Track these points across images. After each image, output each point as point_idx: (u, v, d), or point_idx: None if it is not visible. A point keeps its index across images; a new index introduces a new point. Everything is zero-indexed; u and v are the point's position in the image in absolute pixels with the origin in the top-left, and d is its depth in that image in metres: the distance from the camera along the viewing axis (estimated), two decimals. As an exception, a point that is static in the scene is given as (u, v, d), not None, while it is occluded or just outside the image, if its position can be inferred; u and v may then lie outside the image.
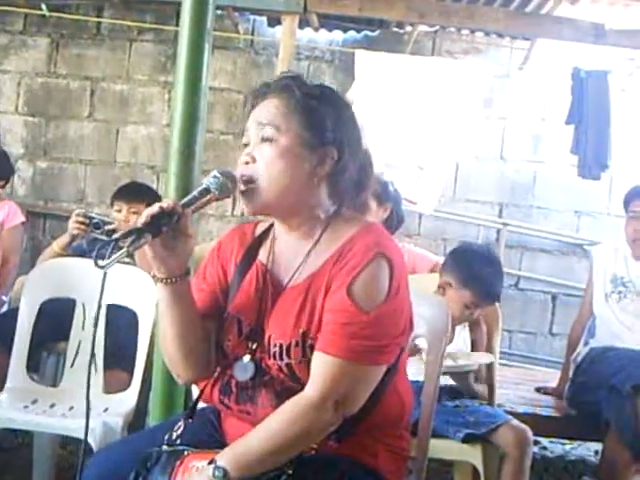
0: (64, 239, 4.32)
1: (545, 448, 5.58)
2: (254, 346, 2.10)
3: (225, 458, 1.91)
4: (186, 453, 2.04)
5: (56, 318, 3.82)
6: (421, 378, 2.75)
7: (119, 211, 4.46)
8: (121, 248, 1.91)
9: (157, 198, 4.23)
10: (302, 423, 1.92)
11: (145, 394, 3.56)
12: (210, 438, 2.20)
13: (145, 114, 7.95)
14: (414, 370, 2.45)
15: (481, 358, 3.66)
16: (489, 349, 3.81)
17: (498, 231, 7.94)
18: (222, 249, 2.30)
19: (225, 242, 2.31)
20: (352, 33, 7.94)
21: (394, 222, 4.32)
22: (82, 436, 2.13)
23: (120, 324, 3.71)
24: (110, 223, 4.24)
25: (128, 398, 3.60)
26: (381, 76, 6.85)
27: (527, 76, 7.91)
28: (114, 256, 1.90)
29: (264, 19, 7.91)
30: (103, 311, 3.58)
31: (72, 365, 3.76)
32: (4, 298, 4.88)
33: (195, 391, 2.31)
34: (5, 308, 4.78)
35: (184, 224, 2.01)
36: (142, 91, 7.95)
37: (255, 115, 2.14)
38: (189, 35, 3.04)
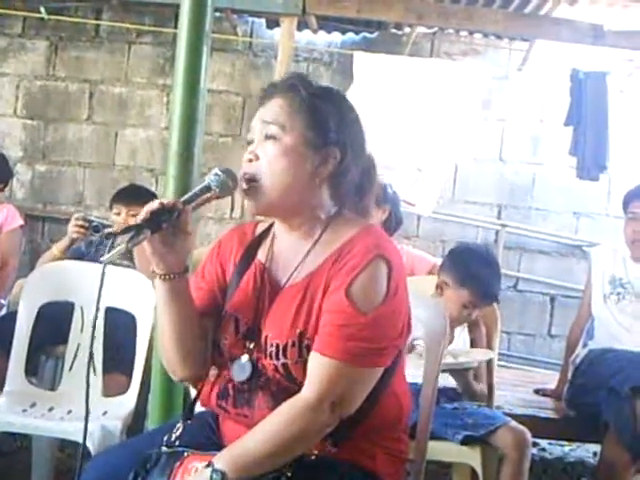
0: (63, 243, 4.31)
1: (544, 450, 5.58)
2: (251, 345, 2.11)
3: (222, 460, 1.91)
4: (186, 454, 2.04)
5: (55, 321, 3.82)
6: (419, 380, 2.75)
7: (118, 214, 4.46)
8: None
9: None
10: (299, 424, 1.92)
11: (144, 397, 3.55)
12: (208, 441, 2.19)
13: (144, 117, 7.96)
14: (412, 372, 2.44)
15: (481, 355, 3.66)
16: (487, 363, 3.81)
17: (497, 232, 7.94)
18: (222, 248, 2.30)
19: (225, 241, 2.32)
20: (350, 35, 7.95)
21: (392, 224, 4.32)
22: (81, 439, 2.13)
23: (119, 327, 3.71)
24: (109, 226, 4.24)
25: (127, 401, 3.60)
26: (379, 78, 6.86)
27: (526, 77, 7.91)
28: (113, 251, 1.91)
29: (263, 21, 7.92)
30: (102, 313, 3.59)
31: (71, 368, 3.76)
32: (3, 301, 4.88)
33: (193, 394, 2.31)
34: (4, 311, 4.77)
35: (184, 221, 2.02)
36: (141, 94, 7.96)
37: (260, 114, 2.15)
38: (188, 37, 3.03)
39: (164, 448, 2.10)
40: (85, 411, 2.05)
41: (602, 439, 4.00)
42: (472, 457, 3.39)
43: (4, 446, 4.34)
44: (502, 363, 5.98)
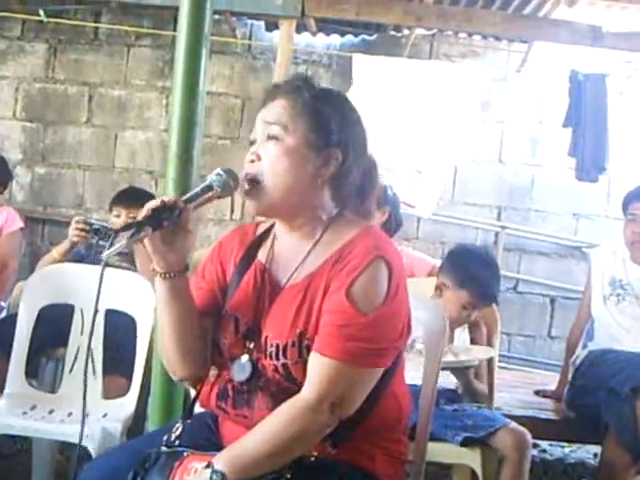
0: (64, 246, 4.31)
1: (544, 451, 5.58)
2: (251, 345, 2.11)
3: (222, 461, 1.91)
4: (185, 454, 2.04)
5: (55, 324, 3.81)
6: (419, 382, 2.75)
7: (118, 216, 4.47)
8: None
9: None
10: (298, 425, 1.92)
11: (144, 399, 3.55)
12: (207, 442, 2.19)
13: (143, 119, 7.96)
14: (412, 374, 2.45)
15: (482, 353, 3.66)
16: (488, 361, 3.81)
17: (496, 234, 7.95)
18: (222, 248, 2.31)
19: (225, 241, 2.33)
20: (349, 37, 7.94)
21: (392, 225, 4.32)
22: (82, 442, 2.13)
23: (119, 329, 3.71)
24: (110, 228, 4.23)
25: (127, 403, 3.60)
26: (379, 80, 6.86)
27: (525, 79, 7.92)
28: (114, 247, 1.92)
29: (262, 24, 7.92)
30: (102, 315, 3.59)
31: (71, 371, 3.75)
32: (3, 304, 4.87)
33: (193, 395, 2.31)
34: (4, 314, 4.77)
35: (185, 219, 2.03)
36: (140, 96, 7.96)
37: (263, 114, 2.16)
38: (187, 40, 3.04)
39: (163, 448, 2.10)
40: (82, 413, 2.05)
41: (602, 440, 4.00)
42: (472, 458, 3.39)
43: (4, 449, 4.34)
44: (502, 364, 5.97)
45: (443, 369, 2.92)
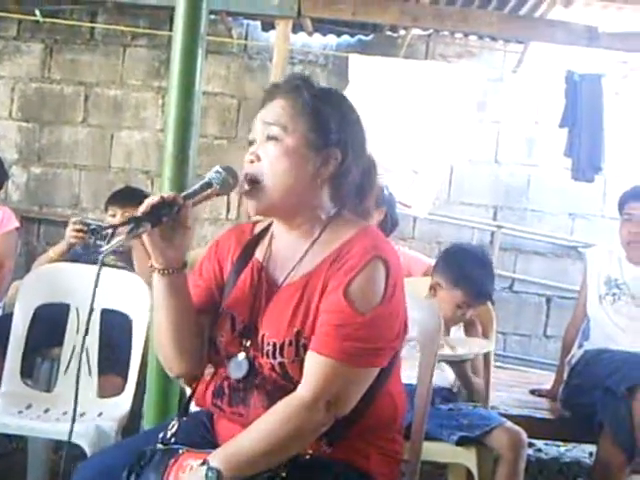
0: (61, 247, 4.31)
1: (540, 450, 5.59)
2: (248, 343, 2.11)
3: (217, 459, 1.92)
4: (181, 452, 2.04)
5: (50, 323, 3.82)
6: (414, 381, 2.75)
7: (113, 216, 4.47)
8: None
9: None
10: (294, 423, 1.93)
11: (139, 398, 3.55)
12: (203, 440, 2.20)
13: (139, 119, 7.95)
14: (407, 373, 2.45)
15: (479, 346, 3.66)
16: (484, 356, 3.81)
17: (492, 234, 7.95)
18: (220, 246, 2.31)
19: (223, 240, 2.33)
20: (346, 37, 7.94)
21: (388, 225, 4.32)
22: (76, 441, 2.13)
23: (114, 328, 3.72)
24: (107, 228, 4.23)
25: (122, 402, 3.60)
26: (375, 80, 6.86)
27: (521, 79, 7.92)
28: (113, 242, 1.94)
29: (258, 24, 7.91)
30: (97, 314, 3.59)
31: (66, 370, 3.76)
32: (-1, 303, 4.87)
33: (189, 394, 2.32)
34: (-1, 313, 4.78)
35: (184, 215, 2.03)
36: (136, 96, 7.95)
37: (262, 114, 2.16)
38: (183, 40, 3.04)
39: (159, 445, 2.11)
40: (73, 410, 2.04)
41: (598, 439, 4.00)
42: (467, 458, 3.40)
43: (0, 447, 4.33)
44: (498, 364, 5.99)
45: (439, 361, 2.92)
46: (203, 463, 1.92)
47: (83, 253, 4.37)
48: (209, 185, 2.09)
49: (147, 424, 3.10)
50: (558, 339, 6.01)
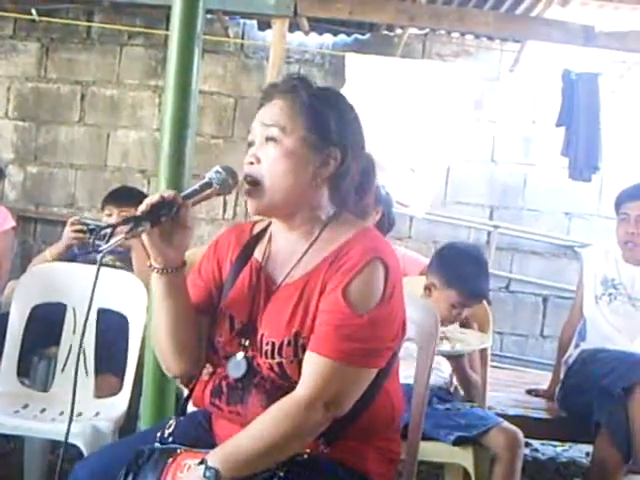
0: (58, 248, 4.30)
1: (536, 450, 5.59)
2: (246, 343, 2.11)
3: (216, 458, 1.92)
4: (179, 451, 2.05)
5: (47, 323, 3.81)
6: (411, 381, 2.75)
7: (110, 215, 4.46)
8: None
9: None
10: (292, 422, 1.93)
11: (136, 398, 3.55)
12: (200, 440, 2.19)
13: (135, 118, 7.95)
14: (404, 373, 2.45)
15: (477, 340, 3.65)
16: (481, 352, 3.81)
17: (489, 233, 7.95)
18: (219, 246, 2.31)
19: (222, 240, 2.33)
20: (342, 36, 7.94)
21: (385, 225, 4.31)
22: (73, 441, 2.13)
23: (111, 328, 3.71)
24: (107, 227, 4.21)
25: (119, 402, 3.60)
26: (372, 79, 6.86)
27: (517, 79, 7.92)
28: (112, 241, 1.94)
29: (254, 23, 7.91)
30: (94, 314, 3.58)
31: (63, 370, 3.76)
32: (-5, 303, 4.86)
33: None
34: (-4, 313, 4.77)
35: (183, 215, 2.03)
36: (132, 95, 7.95)
37: (260, 115, 2.16)
38: (179, 39, 3.03)
39: (157, 444, 2.11)
40: (70, 410, 2.04)
41: (594, 439, 4.00)
42: (464, 458, 3.39)
43: (-2, 447, 4.34)
44: (494, 363, 5.98)
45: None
46: (201, 462, 1.92)
47: (79, 253, 4.36)
48: (209, 185, 2.09)
49: (144, 424, 3.10)
50: (555, 339, 6.00)
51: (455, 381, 3.73)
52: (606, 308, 4.38)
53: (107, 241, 1.94)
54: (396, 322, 2.06)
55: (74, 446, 3.05)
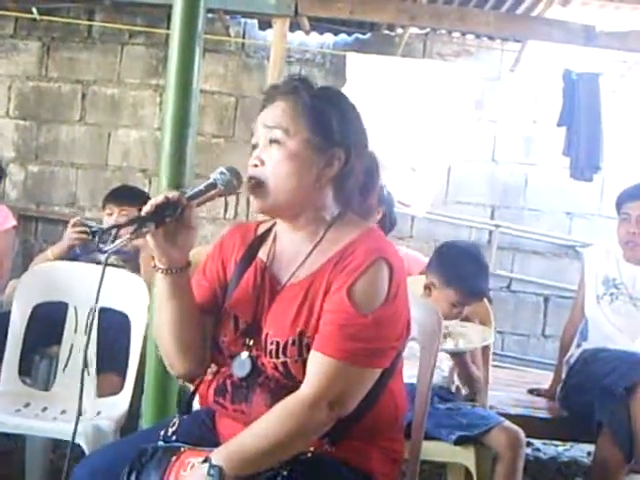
0: (60, 248, 4.30)
1: (538, 450, 5.59)
2: (251, 342, 2.12)
3: (220, 456, 1.92)
4: (182, 449, 2.04)
5: (48, 322, 3.81)
6: (414, 380, 2.75)
7: (110, 214, 4.46)
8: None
9: (149, 201, 4.21)
10: (296, 421, 1.93)
11: (138, 397, 3.55)
12: (204, 438, 2.19)
13: (136, 117, 7.95)
14: (407, 373, 2.45)
15: (480, 336, 3.65)
16: (483, 348, 3.81)
17: (490, 233, 7.95)
18: (223, 246, 2.32)
19: (227, 240, 2.33)
20: (343, 36, 7.94)
21: (387, 224, 4.30)
22: (76, 440, 2.12)
23: (112, 327, 3.71)
24: (110, 228, 4.20)
25: (121, 401, 3.60)
26: (372, 79, 6.86)
27: (518, 78, 7.92)
28: (117, 241, 1.95)
29: (255, 22, 7.91)
30: (95, 313, 3.58)
31: (64, 369, 3.76)
32: (-4, 302, 4.86)
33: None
34: (-3, 312, 4.77)
35: (188, 216, 2.04)
36: (133, 94, 7.95)
37: (263, 117, 2.16)
38: (180, 38, 3.03)
39: (160, 442, 2.11)
40: (77, 410, 2.04)
41: (596, 439, 3.99)
42: (466, 457, 3.39)
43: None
44: (496, 363, 5.97)
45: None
46: (205, 461, 1.92)
47: (81, 253, 4.36)
48: (213, 186, 2.10)
49: (145, 423, 3.10)
50: (556, 338, 6.01)
51: (456, 380, 3.73)
52: (607, 308, 4.38)
53: (112, 242, 1.93)
54: (400, 322, 2.06)
55: (76, 445, 3.05)
